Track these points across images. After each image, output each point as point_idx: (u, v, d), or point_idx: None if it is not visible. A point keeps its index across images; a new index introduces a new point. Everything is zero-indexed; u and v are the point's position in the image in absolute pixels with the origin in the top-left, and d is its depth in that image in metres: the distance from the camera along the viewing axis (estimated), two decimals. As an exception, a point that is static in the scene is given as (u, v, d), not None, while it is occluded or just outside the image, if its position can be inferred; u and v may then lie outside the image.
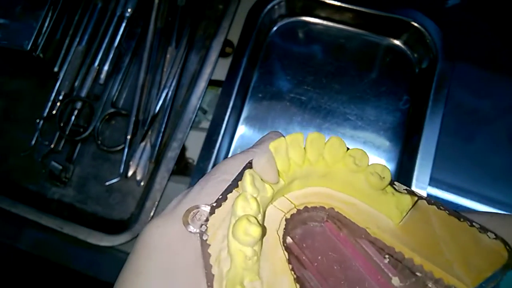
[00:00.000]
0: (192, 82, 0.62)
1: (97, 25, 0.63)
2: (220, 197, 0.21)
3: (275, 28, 0.64)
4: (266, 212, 0.23)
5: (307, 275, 0.22)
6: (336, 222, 0.24)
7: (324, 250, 0.24)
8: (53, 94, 0.61)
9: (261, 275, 0.20)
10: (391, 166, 0.58)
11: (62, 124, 0.60)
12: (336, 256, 0.23)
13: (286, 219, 0.23)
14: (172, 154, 0.57)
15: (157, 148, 0.58)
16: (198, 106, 0.58)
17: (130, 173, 0.58)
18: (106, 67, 0.62)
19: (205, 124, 0.60)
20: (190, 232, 0.21)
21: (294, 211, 0.24)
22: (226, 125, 0.58)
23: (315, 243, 0.24)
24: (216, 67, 0.61)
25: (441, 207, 0.21)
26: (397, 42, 0.62)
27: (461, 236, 0.21)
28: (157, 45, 0.62)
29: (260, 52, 0.63)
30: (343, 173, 0.24)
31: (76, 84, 0.62)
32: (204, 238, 0.20)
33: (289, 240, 0.23)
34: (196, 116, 0.59)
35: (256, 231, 0.20)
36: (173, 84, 0.61)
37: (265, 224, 0.23)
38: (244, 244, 0.20)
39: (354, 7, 0.60)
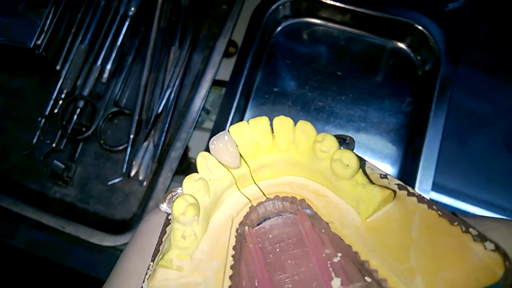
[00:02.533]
0: (196, 82, 0.61)
1: (100, 23, 0.63)
2: None
3: (279, 29, 0.64)
4: (230, 197, 0.23)
5: (249, 268, 0.21)
6: (306, 215, 0.23)
7: (285, 243, 0.22)
8: (55, 93, 0.60)
9: (195, 255, 0.21)
10: (393, 169, 0.59)
11: (64, 123, 0.59)
12: (296, 251, 0.21)
13: (250, 207, 0.23)
14: (175, 154, 0.56)
15: (160, 148, 0.58)
16: (201, 106, 0.58)
17: (132, 172, 0.58)
18: (109, 66, 0.62)
19: (208, 124, 0.60)
20: (161, 210, 0.22)
21: (263, 199, 0.23)
22: (230, 126, 0.58)
23: (278, 235, 0.23)
24: (220, 67, 0.61)
25: (433, 207, 0.19)
26: (400, 44, 0.63)
27: (444, 242, 0.18)
28: (160, 45, 0.62)
29: (264, 53, 0.63)
30: (312, 161, 0.22)
31: (79, 82, 0.61)
32: (169, 218, 0.22)
33: (246, 229, 0.23)
34: (199, 116, 0.59)
35: (190, 210, 0.20)
36: (177, 83, 0.61)
37: (223, 209, 0.23)
38: (179, 222, 0.20)
39: (358, 9, 0.60)
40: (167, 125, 0.59)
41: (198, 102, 0.59)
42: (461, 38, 0.62)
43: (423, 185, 0.54)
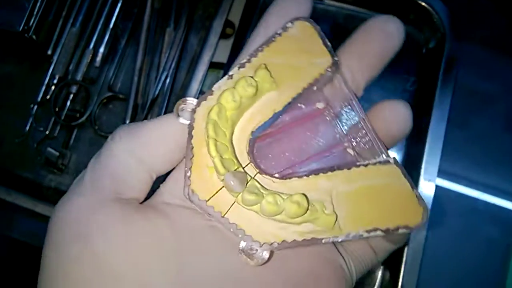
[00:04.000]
0: (192, 64, 0.59)
1: (92, 5, 0.60)
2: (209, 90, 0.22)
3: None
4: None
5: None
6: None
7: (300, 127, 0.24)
8: (47, 78, 0.58)
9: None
10: (397, 148, 0.57)
11: (57, 109, 0.57)
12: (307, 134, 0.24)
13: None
14: (173, 139, 0.55)
15: (157, 133, 0.56)
16: (199, 89, 0.56)
17: (129, 159, 0.56)
18: (101, 49, 0.59)
19: (206, 108, 0.58)
20: (182, 123, 0.22)
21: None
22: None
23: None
24: (217, 49, 0.59)
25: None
26: (403, 21, 0.60)
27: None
28: (154, 26, 0.60)
29: (262, 33, 0.61)
30: None
31: (71, 67, 0.59)
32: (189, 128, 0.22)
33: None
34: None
35: (251, 90, 0.21)
36: (172, 66, 0.58)
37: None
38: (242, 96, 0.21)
39: (359, -15, 0.58)
40: (163, 110, 0.57)
41: (195, 86, 0.57)
42: (464, 14, 0.60)
43: (429, 170, 0.52)
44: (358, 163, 0.22)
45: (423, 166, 0.52)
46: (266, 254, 0.20)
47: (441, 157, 0.52)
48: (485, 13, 0.61)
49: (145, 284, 0.20)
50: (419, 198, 0.21)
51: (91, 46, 0.59)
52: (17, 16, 0.54)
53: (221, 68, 0.58)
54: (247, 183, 0.21)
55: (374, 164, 0.22)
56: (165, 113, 0.57)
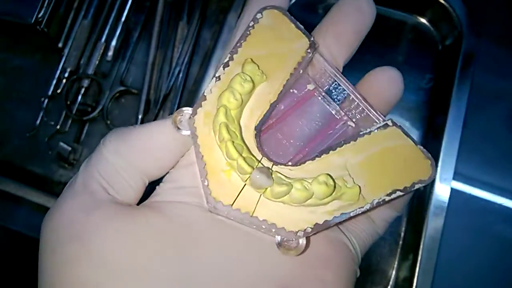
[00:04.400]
0: (206, 59, 0.58)
1: (104, -3, 0.60)
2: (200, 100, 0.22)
3: (292, 2, 0.61)
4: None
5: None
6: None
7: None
8: (58, 71, 0.57)
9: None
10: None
11: (68, 103, 0.57)
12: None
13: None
14: (186, 135, 0.54)
15: (170, 129, 0.55)
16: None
17: (142, 154, 0.55)
18: (113, 43, 0.58)
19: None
20: (183, 134, 0.22)
21: None
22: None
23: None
24: (231, 44, 0.58)
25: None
26: (420, 18, 0.60)
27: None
28: (167, 20, 0.59)
29: (276, 28, 0.60)
30: None
31: (82, 61, 0.58)
32: (193, 137, 0.22)
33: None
34: (210, 95, 0.56)
35: (248, 85, 0.21)
36: (185, 61, 0.58)
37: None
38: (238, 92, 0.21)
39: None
40: (176, 105, 0.56)
41: (208, 81, 0.56)
42: (481, 11, 0.59)
43: (446, 164, 0.51)
44: (361, 133, 0.23)
45: (439, 165, 0.51)
46: (303, 241, 0.21)
47: (459, 154, 0.52)
48: (500, 9, 0.61)
49: (146, 280, 0.19)
50: (424, 152, 0.22)
51: (103, 39, 0.58)
52: (29, 8, 0.53)
53: (235, 63, 0.57)
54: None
55: (376, 130, 0.23)
56: (177, 108, 0.56)
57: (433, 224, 0.50)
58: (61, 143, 0.54)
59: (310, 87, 0.25)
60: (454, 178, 0.51)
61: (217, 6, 0.61)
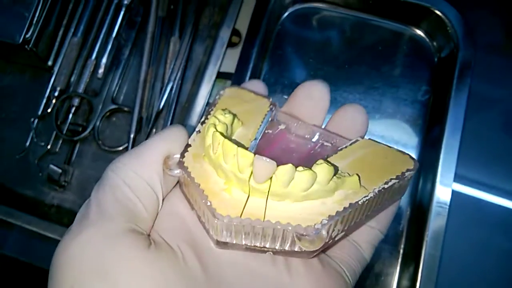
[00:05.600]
0: (198, 75, 0.57)
1: (93, 14, 0.58)
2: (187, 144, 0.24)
3: (285, 15, 0.60)
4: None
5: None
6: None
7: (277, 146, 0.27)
8: (48, 90, 0.56)
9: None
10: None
11: (59, 123, 0.55)
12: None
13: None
14: (180, 154, 0.53)
15: (163, 147, 0.54)
16: (206, 100, 0.54)
17: (135, 174, 0.54)
18: (104, 60, 0.57)
19: (213, 120, 0.56)
20: (172, 175, 0.23)
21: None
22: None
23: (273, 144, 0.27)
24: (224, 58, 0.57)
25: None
26: (415, 29, 0.59)
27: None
28: (159, 36, 0.58)
29: (270, 41, 0.59)
30: None
31: (73, 79, 0.57)
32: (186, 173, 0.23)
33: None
34: (204, 111, 0.55)
35: (229, 116, 0.24)
36: (178, 77, 0.56)
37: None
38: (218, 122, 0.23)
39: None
40: (169, 122, 0.55)
41: (202, 96, 0.55)
42: (475, 20, 0.58)
43: (445, 176, 0.51)
44: (339, 148, 0.25)
45: (438, 172, 0.51)
46: (323, 233, 0.21)
47: (458, 163, 0.51)
48: (496, 18, 0.60)
49: None
50: (400, 150, 0.25)
51: (93, 56, 0.57)
52: (16, 27, 0.52)
53: (228, 78, 0.56)
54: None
55: (350, 145, 0.25)
56: (171, 123, 0.55)
57: (435, 226, 0.49)
58: (51, 166, 0.52)
59: (282, 127, 0.28)
60: (455, 181, 0.51)
61: (209, 20, 0.60)
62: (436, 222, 0.50)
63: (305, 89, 0.28)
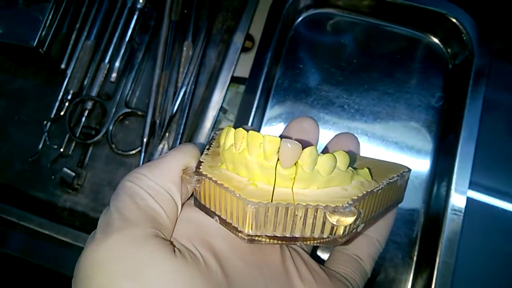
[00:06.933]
0: (212, 79, 0.57)
1: (107, 17, 0.58)
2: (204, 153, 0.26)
3: (299, 20, 0.60)
4: None
5: None
6: None
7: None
8: (61, 94, 0.56)
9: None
10: (425, 168, 0.55)
11: (72, 126, 0.55)
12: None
13: None
14: (193, 158, 0.52)
15: (176, 152, 0.54)
16: (220, 105, 0.54)
17: (147, 178, 0.54)
18: (117, 64, 0.57)
19: (226, 124, 0.55)
20: (192, 184, 0.24)
21: None
22: (251, 125, 0.54)
23: None
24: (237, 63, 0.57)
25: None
26: (429, 36, 0.59)
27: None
28: (172, 40, 0.58)
29: (283, 46, 0.59)
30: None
31: (86, 82, 0.57)
32: (208, 178, 0.23)
33: None
34: (217, 116, 0.55)
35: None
36: (191, 81, 0.56)
37: None
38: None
39: (384, -2, 0.56)
40: (182, 127, 0.55)
41: (215, 101, 0.55)
42: (490, 27, 0.58)
43: (460, 183, 0.50)
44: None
45: (453, 179, 0.50)
46: (354, 209, 0.22)
47: (473, 170, 0.51)
48: (510, 27, 0.60)
49: None
50: (390, 160, 0.29)
51: (107, 60, 0.57)
52: (30, 30, 0.52)
53: (242, 83, 0.56)
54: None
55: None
56: (183, 130, 0.55)
57: (449, 233, 0.49)
58: (65, 169, 0.52)
59: None
60: (469, 188, 0.51)
61: (222, 25, 0.60)
62: (450, 229, 0.49)
63: (298, 123, 0.31)
